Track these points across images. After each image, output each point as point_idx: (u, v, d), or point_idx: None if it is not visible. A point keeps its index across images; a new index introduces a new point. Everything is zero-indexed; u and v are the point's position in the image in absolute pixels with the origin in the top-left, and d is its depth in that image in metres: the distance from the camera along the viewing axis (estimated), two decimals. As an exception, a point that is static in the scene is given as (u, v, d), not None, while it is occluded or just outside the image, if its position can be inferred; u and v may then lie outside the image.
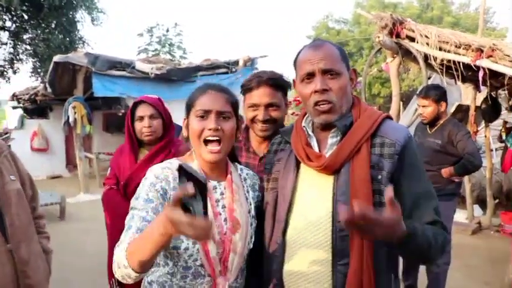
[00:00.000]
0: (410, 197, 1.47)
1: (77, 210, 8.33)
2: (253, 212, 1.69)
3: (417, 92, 4.29)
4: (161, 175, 1.54)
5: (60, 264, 5.32)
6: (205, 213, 1.10)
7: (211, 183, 1.60)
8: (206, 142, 1.55)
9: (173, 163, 1.60)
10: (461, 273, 4.89)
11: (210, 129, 1.53)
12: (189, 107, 1.62)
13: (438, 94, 3.93)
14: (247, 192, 1.71)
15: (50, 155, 13.39)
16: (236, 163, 1.79)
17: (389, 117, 1.61)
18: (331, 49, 1.56)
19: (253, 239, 1.65)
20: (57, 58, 8.99)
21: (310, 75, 1.54)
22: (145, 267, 1.30)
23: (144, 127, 2.57)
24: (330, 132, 1.57)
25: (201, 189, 1.09)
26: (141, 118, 2.58)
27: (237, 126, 1.64)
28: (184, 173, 1.14)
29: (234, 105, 1.63)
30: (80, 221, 7.60)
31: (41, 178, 12.82)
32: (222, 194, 1.61)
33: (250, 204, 1.69)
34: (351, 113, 1.57)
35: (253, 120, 2.09)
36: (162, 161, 2.45)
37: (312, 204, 1.54)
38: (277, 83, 2.09)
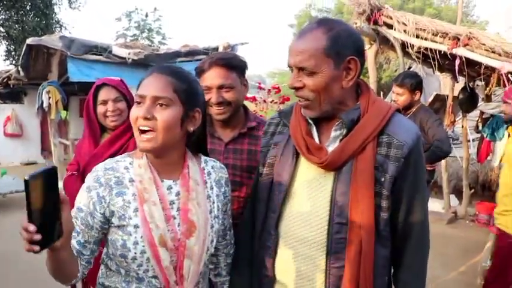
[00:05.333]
0: (406, 207, 1.42)
1: (50, 197, 8.13)
2: (216, 212, 1.53)
3: (393, 79, 4.25)
4: (101, 179, 1.39)
5: (27, 252, 5.23)
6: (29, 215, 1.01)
7: (165, 183, 1.43)
8: (141, 131, 1.36)
9: (121, 162, 1.45)
10: (437, 262, 4.91)
11: (140, 117, 1.34)
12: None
13: (414, 83, 3.88)
14: (211, 188, 1.54)
15: (25, 141, 13.06)
16: (201, 154, 1.60)
17: (398, 111, 1.48)
18: (313, 41, 1.36)
19: (214, 243, 1.51)
20: (30, 41, 8.67)
21: (290, 67, 1.43)
22: (59, 278, 1.33)
23: (108, 111, 2.43)
24: (332, 122, 1.44)
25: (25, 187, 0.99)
26: (105, 102, 2.44)
27: (188, 116, 1.40)
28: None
29: (182, 91, 1.37)
30: (52, 208, 7.43)
31: (15, 164, 12.57)
32: (178, 194, 1.44)
33: (214, 203, 1.53)
34: (358, 104, 1.43)
35: (208, 103, 1.99)
36: (123, 145, 2.40)
37: (309, 199, 1.44)
38: (230, 63, 1.99)
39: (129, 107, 2.50)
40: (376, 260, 1.37)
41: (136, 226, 1.36)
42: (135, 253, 1.35)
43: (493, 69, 4.30)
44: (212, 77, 1.97)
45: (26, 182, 0.97)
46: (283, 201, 1.49)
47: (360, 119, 1.40)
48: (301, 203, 1.46)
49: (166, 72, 1.38)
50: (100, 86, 2.47)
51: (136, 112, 1.36)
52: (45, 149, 13.27)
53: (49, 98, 9.26)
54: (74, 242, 1.36)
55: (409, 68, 8.76)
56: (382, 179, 1.36)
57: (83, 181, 2.40)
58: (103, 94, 2.45)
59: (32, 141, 13.23)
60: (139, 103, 1.36)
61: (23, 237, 1.02)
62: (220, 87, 1.97)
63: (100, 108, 2.45)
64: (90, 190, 1.38)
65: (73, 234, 1.32)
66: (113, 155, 2.30)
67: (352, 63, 1.38)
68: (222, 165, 1.65)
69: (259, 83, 9.41)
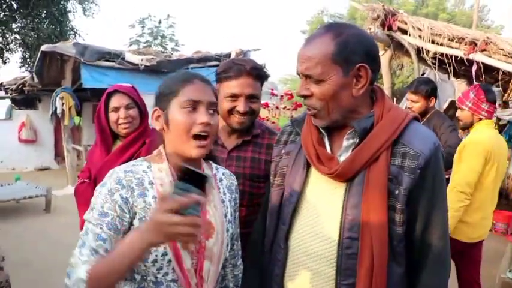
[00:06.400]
0: (424, 223, 1.32)
1: (63, 203, 8.15)
2: (229, 216, 1.53)
3: (408, 86, 4.17)
4: (123, 180, 1.35)
5: (40, 255, 5.26)
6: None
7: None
8: (195, 137, 1.34)
9: (138, 165, 1.43)
10: (452, 273, 4.79)
11: (201, 124, 1.32)
12: (167, 96, 1.38)
13: (428, 90, 3.81)
14: (224, 194, 1.55)
15: (38, 147, 13.21)
16: (211, 161, 1.60)
17: (416, 119, 1.40)
18: (320, 47, 1.30)
19: (229, 247, 1.50)
20: (44, 48, 8.81)
21: (299, 74, 1.37)
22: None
23: (120, 118, 2.40)
24: (344, 131, 1.37)
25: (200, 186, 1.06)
26: (116, 109, 2.41)
27: None
28: (188, 174, 1.05)
29: (217, 98, 1.46)
30: (65, 214, 7.43)
31: (28, 170, 12.72)
32: None
33: (227, 208, 1.53)
34: (371, 112, 1.35)
35: (230, 111, 1.95)
36: (135, 153, 2.37)
37: (319, 212, 1.37)
38: (259, 74, 1.97)
39: (141, 113, 2.49)
40: (389, 278, 1.29)
41: None
42: (156, 256, 1.32)
43: (511, 75, 4.21)
44: (242, 86, 1.92)
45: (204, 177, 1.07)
46: (293, 213, 1.43)
47: (373, 128, 1.33)
48: (311, 215, 1.39)
49: (205, 80, 1.42)
50: (112, 92, 2.44)
51: (191, 117, 1.34)
52: (58, 155, 13.41)
53: (62, 104, 9.36)
54: (101, 251, 1.29)
55: (423, 73, 8.67)
56: (396, 192, 1.28)
57: (94, 189, 2.40)
58: (115, 101, 2.42)
59: (45, 147, 13.37)
60: (192, 109, 1.35)
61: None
62: (249, 97, 1.93)
63: (112, 116, 2.42)
64: (113, 193, 1.34)
65: (97, 243, 1.29)
66: (124, 163, 2.27)
67: (362, 71, 1.30)
68: (231, 173, 1.65)
69: (272, 89, 9.36)
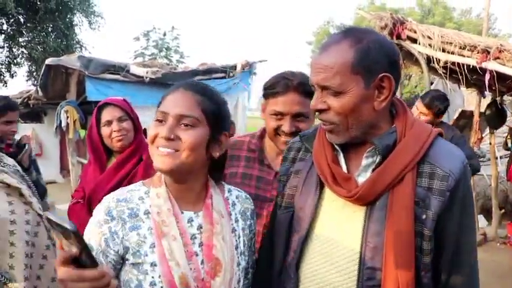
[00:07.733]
0: (452, 252, 1.20)
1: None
2: (241, 248, 1.36)
3: (421, 95, 4.05)
4: (113, 211, 1.23)
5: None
6: (93, 261, 0.98)
7: (186, 215, 1.27)
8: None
9: (135, 191, 1.30)
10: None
11: (161, 137, 1.21)
12: (157, 109, 1.30)
13: (441, 108, 3.73)
14: (236, 221, 1.38)
15: (44, 160, 13.06)
16: (224, 183, 1.45)
17: (440, 134, 1.29)
18: (338, 56, 1.18)
19: (241, 283, 1.33)
20: (49, 61, 8.76)
21: (313, 86, 1.24)
22: None
23: (113, 131, 2.27)
24: (363, 148, 1.25)
25: (77, 237, 0.94)
26: (109, 122, 2.29)
27: (214, 139, 1.28)
28: (53, 224, 0.95)
29: (209, 111, 1.25)
30: (68, 229, 7.32)
31: (34, 184, 12.64)
32: (200, 227, 1.27)
33: (239, 238, 1.36)
34: (393, 128, 1.24)
35: (276, 130, 1.80)
36: (131, 170, 2.23)
37: (335, 239, 1.24)
38: (308, 89, 1.78)
39: (135, 127, 2.37)
40: None
41: (153, 264, 1.20)
42: None
43: (526, 84, 4.07)
44: (289, 103, 1.77)
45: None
46: (304, 239, 1.29)
47: (395, 145, 1.21)
48: (325, 242, 1.26)
49: (194, 89, 1.26)
50: (102, 106, 2.34)
51: (156, 130, 1.22)
52: (64, 168, 13.35)
53: (67, 117, 9.28)
54: None
55: (431, 83, 8.54)
56: (424, 217, 1.16)
57: (89, 209, 2.28)
58: (107, 114, 2.31)
59: (51, 160, 13.31)
60: (160, 121, 1.23)
61: None
62: (295, 116, 1.78)
63: (104, 130, 2.30)
64: (101, 225, 1.23)
65: None
66: (120, 181, 2.15)
67: (386, 81, 1.18)
68: (247, 196, 1.49)
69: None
